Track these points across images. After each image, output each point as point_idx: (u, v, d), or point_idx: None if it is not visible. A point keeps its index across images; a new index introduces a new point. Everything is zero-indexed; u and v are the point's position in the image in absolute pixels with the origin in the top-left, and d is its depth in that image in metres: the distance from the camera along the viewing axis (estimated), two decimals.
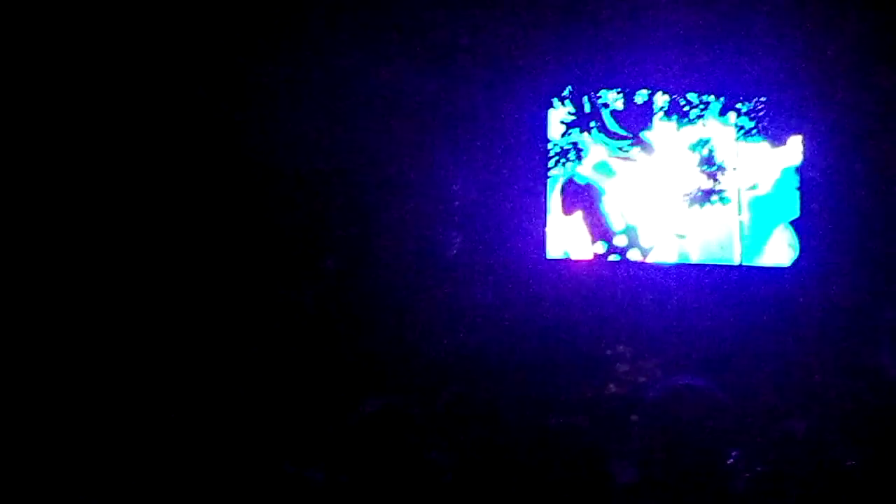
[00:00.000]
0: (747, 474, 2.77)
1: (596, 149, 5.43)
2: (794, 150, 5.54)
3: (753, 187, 5.51)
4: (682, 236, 5.45)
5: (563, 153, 5.35)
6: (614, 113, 5.41)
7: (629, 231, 5.41)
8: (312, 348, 4.91)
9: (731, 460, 2.60)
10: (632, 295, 5.32)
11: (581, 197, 5.38)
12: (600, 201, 5.41)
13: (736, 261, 5.50)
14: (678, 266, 5.43)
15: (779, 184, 5.54)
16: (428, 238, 5.27)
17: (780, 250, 5.51)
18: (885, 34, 5.33)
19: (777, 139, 5.51)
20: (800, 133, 5.52)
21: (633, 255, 5.41)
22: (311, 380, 4.74)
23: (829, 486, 3.07)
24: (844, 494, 3.01)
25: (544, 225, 5.34)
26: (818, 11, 5.33)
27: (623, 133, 5.42)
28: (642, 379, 5.00)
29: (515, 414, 4.72)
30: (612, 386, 5.02)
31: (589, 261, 5.37)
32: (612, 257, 5.40)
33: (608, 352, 5.21)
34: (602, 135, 5.42)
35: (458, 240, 5.27)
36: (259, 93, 4.96)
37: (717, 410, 2.44)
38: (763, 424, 4.55)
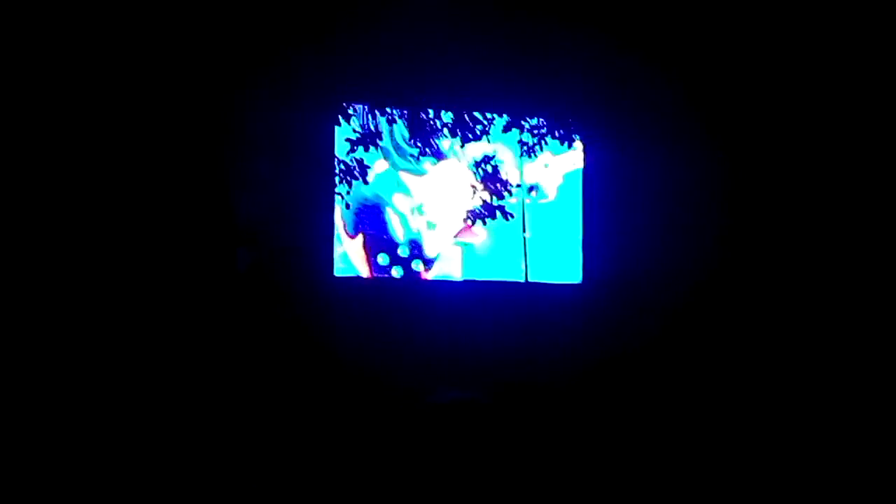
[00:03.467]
0: None
1: (381, 164, 5.44)
2: (576, 166, 5.70)
3: (539, 203, 5.64)
4: (467, 245, 5.52)
5: (349, 170, 5.35)
6: (400, 130, 5.45)
7: (412, 243, 5.45)
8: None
9: None
10: (419, 311, 5.34)
11: (366, 212, 5.39)
12: (385, 214, 5.43)
13: (524, 277, 5.59)
14: (465, 282, 5.49)
15: (564, 200, 5.68)
16: (216, 256, 5.17)
17: (568, 267, 5.64)
18: (669, 46, 5.60)
19: (560, 154, 5.67)
20: (582, 148, 5.70)
21: (417, 266, 5.44)
22: None
23: None
24: None
25: (331, 242, 5.31)
26: (601, 28, 5.55)
27: (408, 150, 5.45)
28: (430, 395, 5.02)
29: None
30: (400, 401, 5.02)
31: (376, 278, 5.37)
32: (395, 270, 5.41)
33: (399, 370, 5.21)
34: (388, 150, 5.44)
35: (246, 257, 5.18)
36: None
37: (489, 421, 2.48)
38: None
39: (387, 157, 5.42)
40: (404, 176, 5.45)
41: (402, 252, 5.41)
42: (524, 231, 5.58)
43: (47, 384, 4.60)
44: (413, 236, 5.43)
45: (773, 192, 5.65)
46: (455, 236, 5.50)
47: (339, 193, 5.33)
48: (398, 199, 5.42)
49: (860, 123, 5.58)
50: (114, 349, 4.78)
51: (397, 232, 5.43)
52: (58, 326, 4.71)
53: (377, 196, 5.40)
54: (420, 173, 5.47)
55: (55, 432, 4.48)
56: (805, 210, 5.62)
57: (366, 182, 5.37)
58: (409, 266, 5.42)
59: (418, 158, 5.46)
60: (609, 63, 5.59)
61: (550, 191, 5.64)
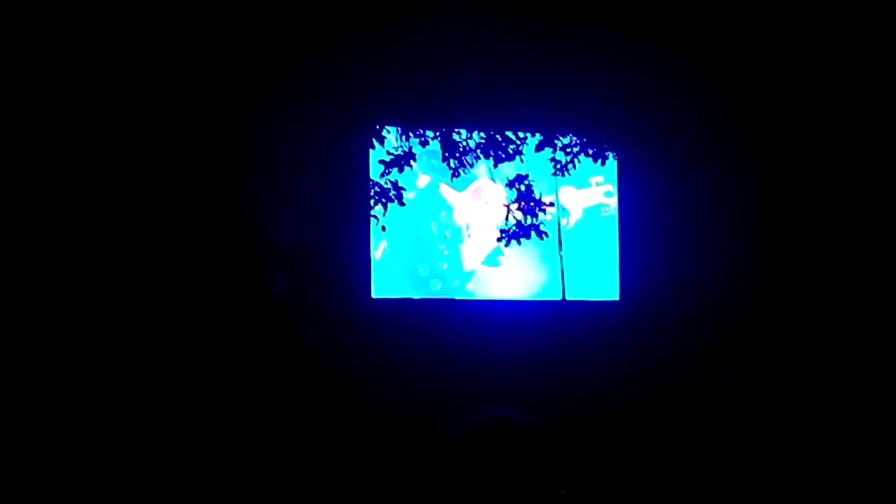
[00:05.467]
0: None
1: (422, 179, 5.50)
2: (611, 182, 5.69)
3: (575, 220, 5.64)
4: (497, 262, 5.54)
5: (383, 193, 5.37)
6: (432, 152, 5.47)
7: (448, 259, 5.47)
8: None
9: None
10: (458, 330, 5.34)
11: (403, 228, 5.44)
12: (424, 231, 5.48)
13: (560, 296, 5.58)
14: (502, 302, 5.49)
15: (599, 218, 5.67)
16: (251, 280, 5.19)
17: (605, 285, 5.63)
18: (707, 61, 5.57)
19: (594, 172, 5.66)
20: (616, 165, 5.70)
21: (454, 284, 5.47)
22: None
23: None
24: None
25: (369, 264, 5.33)
26: (633, 48, 5.53)
27: (443, 168, 5.48)
28: (470, 414, 5.00)
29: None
30: (439, 423, 5.01)
31: (412, 299, 5.38)
32: (434, 284, 5.43)
33: (438, 388, 5.20)
34: (426, 167, 5.48)
35: (282, 282, 5.20)
36: None
37: (529, 440, 2.46)
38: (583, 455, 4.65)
39: (427, 171, 5.45)
40: (442, 192, 5.47)
41: (439, 269, 5.42)
42: (560, 249, 5.58)
43: (83, 403, 4.62)
44: (451, 252, 5.44)
45: (814, 208, 5.59)
46: (490, 256, 5.51)
47: (375, 216, 5.34)
48: (436, 215, 5.43)
49: None
50: (150, 373, 4.80)
51: (434, 248, 5.45)
52: (94, 348, 4.74)
53: (415, 211, 5.44)
54: (457, 189, 5.49)
55: (94, 452, 4.51)
56: (847, 226, 5.54)
57: (402, 204, 5.38)
58: (448, 284, 5.43)
59: (452, 178, 5.47)
60: (645, 79, 5.58)
61: (586, 219, 5.65)
